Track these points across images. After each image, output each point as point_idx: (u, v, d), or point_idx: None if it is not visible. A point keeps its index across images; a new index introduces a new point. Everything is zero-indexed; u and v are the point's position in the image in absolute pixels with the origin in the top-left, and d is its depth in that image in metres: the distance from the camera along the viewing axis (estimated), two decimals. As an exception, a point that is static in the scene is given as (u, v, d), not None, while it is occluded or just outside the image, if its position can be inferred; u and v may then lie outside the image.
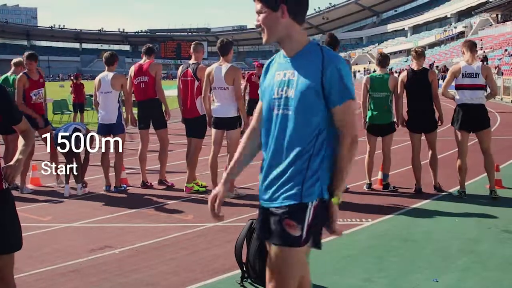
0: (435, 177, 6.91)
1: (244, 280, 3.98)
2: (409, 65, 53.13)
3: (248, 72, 14.75)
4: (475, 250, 4.71)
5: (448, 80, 6.63)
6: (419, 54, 6.86)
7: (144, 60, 7.50)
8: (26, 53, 7.53)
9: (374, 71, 7.46)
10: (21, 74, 7.37)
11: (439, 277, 4.04)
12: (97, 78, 7.40)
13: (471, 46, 6.50)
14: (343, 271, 4.24)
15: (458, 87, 6.46)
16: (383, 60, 7.11)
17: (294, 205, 2.30)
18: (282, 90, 2.35)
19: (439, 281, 3.97)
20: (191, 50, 7.36)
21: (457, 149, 6.70)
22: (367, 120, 7.04)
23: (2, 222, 2.75)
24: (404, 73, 7.01)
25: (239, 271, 4.02)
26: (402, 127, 7.06)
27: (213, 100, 6.87)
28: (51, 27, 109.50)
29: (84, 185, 7.15)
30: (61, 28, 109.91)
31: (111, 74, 7.25)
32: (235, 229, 5.00)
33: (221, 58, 6.73)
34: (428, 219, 5.73)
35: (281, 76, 2.38)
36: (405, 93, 6.93)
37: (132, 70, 7.52)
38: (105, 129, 7.24)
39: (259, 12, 2.33)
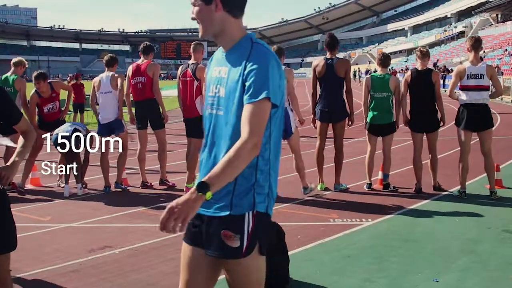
0: (434, 178, 6.91)
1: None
2: (406, 66, 53.24)
3: None
4: (475, 250, 4.71)
5: (454, 82, 6.57)
6: (424, 54, 6.86)
7: (142, 60, 7.50)
8: (34, 73, 7.61)
9: (375, 71, 7.46)
10: (32, 92, 7.50)
11: (440, 277, 4.04)
12: (97, 79, 7.46)
13: (475, 45, 6.38)
14: (343, 271, 4.23)
15: (463, 88, 6.43)
16: (385, 60, 7.11)
17: (227, 216, 2.11)
18: (216, 88, 2.18)
19: (439, 281, 3.97)
20: (191, 50, 7.35)
21: (457, 149, 6.71)
22: (368, 120, 7.05)
23: (1, 223, 2.77)
24: (408, 73, 7.05)
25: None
26: (405, 126, 7.07)
27: None
28: (51, 27, 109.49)
29: (84, 185, 7.15)
30: (61, 28, 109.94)
31: (110, 74, 7.31)
32: (235, 229, 4.99)
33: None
34: (428, 219, 5.73)
35: (216, 73, 2.21)
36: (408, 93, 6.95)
37: (129, 70, 7.53)
38: (106, 129, 7.26)
39: (193, 5, 2.15)
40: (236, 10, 2.14)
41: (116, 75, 7.35)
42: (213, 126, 2.18)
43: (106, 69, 7.42)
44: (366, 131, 7.14)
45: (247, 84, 2.05)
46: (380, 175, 7.17)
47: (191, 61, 7.26)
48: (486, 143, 6.46)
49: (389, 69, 17.79)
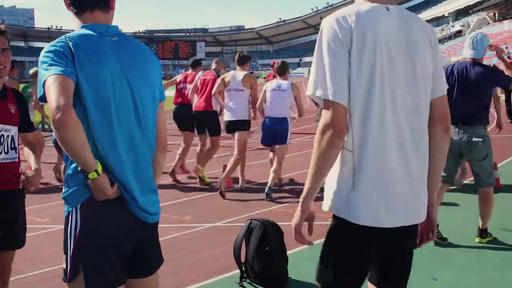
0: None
1: (243, 280, 3.99)
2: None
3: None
4: (473, 248, 4.73)
5: None
6: None
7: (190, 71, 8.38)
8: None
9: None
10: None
11: (438, 276, 4.05)
12: None
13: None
14: (341, 271, 4.24)
15: None
16: None
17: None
18: None
19: (437, 280, 3.99)
20: (215, 63, 8.27)
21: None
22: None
23: (21, 220, 2.96)
24: None
25: (238, 271, 4.03)
26: None
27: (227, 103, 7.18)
28: (49, 28, 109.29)
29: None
30: (59, 29, 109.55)
31: None
32: (233, 230, 5.00)
33: (237, 67, 7.27)
34: (426, 218, 5.73)
35: None
36: None
37: (180, 77, 8.32)
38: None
39: None
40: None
41: None
42: None
43: None
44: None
45: None
46: (378, 175, 7.19)
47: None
48: None
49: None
